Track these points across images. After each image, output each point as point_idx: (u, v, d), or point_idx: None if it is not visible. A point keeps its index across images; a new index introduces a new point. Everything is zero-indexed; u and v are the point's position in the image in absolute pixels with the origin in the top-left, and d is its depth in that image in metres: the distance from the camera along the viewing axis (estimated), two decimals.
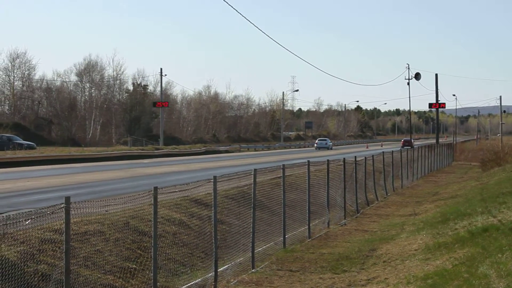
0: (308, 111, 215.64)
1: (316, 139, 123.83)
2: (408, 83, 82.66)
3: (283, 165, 21.18)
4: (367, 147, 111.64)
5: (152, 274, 13.41)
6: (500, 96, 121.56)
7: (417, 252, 18.69)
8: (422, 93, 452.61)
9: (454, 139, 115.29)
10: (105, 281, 14.22)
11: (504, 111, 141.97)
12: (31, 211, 10.78)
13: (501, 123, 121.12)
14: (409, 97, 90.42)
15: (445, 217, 24.51)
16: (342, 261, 18.79)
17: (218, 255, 15.91)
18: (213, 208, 16.01)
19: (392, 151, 44.48)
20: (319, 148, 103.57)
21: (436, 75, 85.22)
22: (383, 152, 41.12)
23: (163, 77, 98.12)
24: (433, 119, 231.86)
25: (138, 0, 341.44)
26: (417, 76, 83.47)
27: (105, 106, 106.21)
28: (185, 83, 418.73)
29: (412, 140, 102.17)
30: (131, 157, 65.36)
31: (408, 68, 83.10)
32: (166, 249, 16.31)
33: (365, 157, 34.51)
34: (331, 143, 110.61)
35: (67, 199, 10.99)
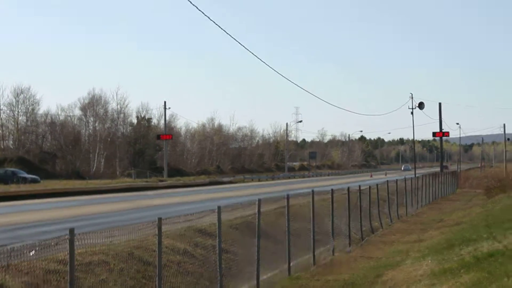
0: (312, 142, 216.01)
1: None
2: (412, 113, 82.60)
3: (287, 194, 21.23)
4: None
5: None
6: (504, 124, 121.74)
7: (422, 278, 18.63)
8: (425, 122, 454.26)
9: (459, 167, 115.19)
10: None
11: (508, 139, 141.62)
12: (35, 242, 10.80)
13: (505, 151, 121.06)
14: (413, 126, 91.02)
15: (450, 243, 24.46)
16: (347, 287, 18.75)
17: (223, 284, 15.89)
18: (217, 237, 16.01)
19: (397, 179, 44.41)
20: (405, 170, 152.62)
21: (440, 104, 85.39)
22: (387, 180, 41.12)
23: (167, 110, 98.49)
24: (437, 148, 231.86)
25: (142, 35, 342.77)
26: (421, 105, 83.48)
27: (109, 139, 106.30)
28: (188, 116, 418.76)
29: (447, 165, 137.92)
30: (135, 189, 65.37)
31: (412, 98, 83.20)
32: (171, 278, 16.29)
33: (369, 186, 34.50)
34: (410, 167, 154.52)
35: (71, 230, 11.06)
